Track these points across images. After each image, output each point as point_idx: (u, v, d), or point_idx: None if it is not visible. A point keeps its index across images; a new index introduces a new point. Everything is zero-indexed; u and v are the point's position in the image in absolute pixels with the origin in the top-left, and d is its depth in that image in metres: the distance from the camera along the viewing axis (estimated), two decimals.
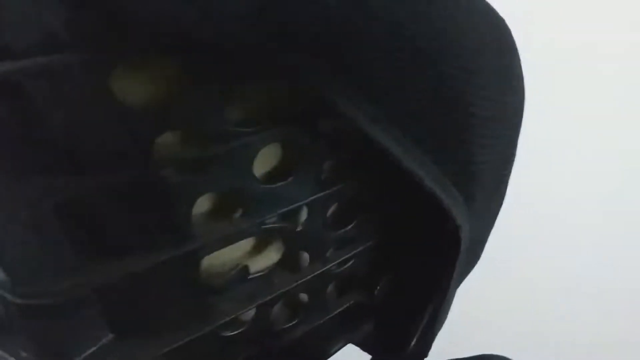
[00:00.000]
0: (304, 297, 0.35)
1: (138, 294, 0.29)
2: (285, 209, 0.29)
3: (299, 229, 0.30)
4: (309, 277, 0.33)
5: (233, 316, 0.31)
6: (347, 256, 0.34)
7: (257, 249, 0.31)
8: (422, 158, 0.24)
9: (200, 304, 0.29)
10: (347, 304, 0.36)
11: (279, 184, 0.28)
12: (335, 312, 0.36)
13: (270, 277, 0.31)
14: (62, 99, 0.24)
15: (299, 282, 0.32)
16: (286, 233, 0.30)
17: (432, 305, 0.32)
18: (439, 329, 0.34)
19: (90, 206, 0.26)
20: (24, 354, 0.28)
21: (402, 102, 0.22)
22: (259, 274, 0.31)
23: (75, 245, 0.27)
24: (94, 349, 0.29)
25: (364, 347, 0.40)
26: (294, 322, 0.35)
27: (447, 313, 0.33)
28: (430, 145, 0.24)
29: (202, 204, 0.27)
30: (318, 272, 0.33)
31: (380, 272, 0.36)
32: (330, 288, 0.35)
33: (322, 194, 0.30)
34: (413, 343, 0.34)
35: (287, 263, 0.32)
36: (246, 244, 0.31)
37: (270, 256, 0.32)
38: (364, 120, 0.22)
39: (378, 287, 0.35)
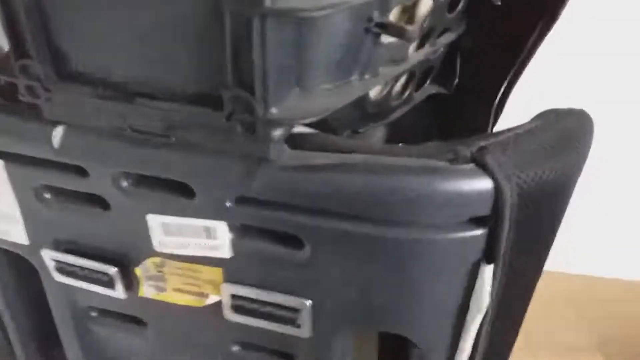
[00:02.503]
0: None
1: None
2: None
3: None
4: (425, 57, 0.37)
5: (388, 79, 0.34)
6: (447, 41, 0.39)
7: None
8: None
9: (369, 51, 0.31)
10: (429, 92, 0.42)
11: None
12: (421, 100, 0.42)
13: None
14: None
15: (417, 60, 0.37)
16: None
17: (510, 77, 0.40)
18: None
19: None
20: None
21: None
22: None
23: None
24: (286, 102, 0.30)
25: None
26: (400, 101, 0.39)
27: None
28: None
29: None
30: (429, 53, 0.38)
31: (455, 62, 0.42)
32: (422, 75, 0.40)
33: None
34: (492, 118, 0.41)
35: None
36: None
37: None
38: None
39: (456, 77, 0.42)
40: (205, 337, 0.42)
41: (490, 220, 0.31)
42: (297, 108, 0.30)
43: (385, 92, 0.37)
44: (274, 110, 0.29)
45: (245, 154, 0.31)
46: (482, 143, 0.30)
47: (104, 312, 0.44)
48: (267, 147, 0.30)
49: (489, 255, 0.32)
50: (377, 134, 0.43)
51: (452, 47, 0.42)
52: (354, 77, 0.32)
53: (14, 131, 0.35)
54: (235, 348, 0.42)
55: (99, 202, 0.36)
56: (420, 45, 0.39)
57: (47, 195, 0.38)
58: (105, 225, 0.37)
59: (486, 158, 0.29)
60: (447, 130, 0.46)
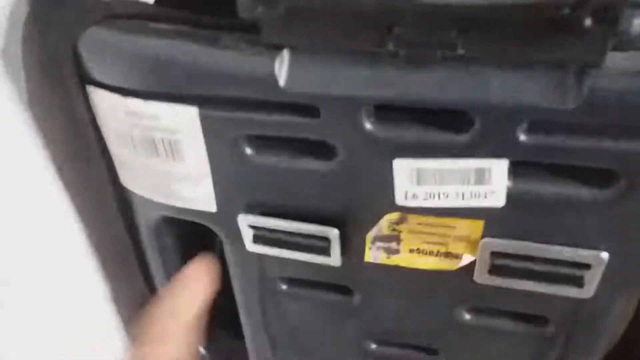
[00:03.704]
0: None
1: None
2: None
3: None
4: None
5: None
6: None
7: None
8: None
9: None
10: None
11: None
12: None
13: None
14: None
15: None
16: None
17: None
18: None
19: None
20: None
21: None
22: None
23: None
24: None
25: None
26: None
27: None
28: None
29: None
30: None
31: None
32: None
33: None
34: None
35: None
36: None
37: None
38: None
39: None
40: (428, 304, 0.35)
41: None
42: None
43: None
44: None
45: (568, 59, 0.23)
46: None
47: (299, 283, 0.37)
48: (607, 47, 0.22)
49: None
50: None
51: None
52: None
53: (217, 66, 0.27)
54: (466, 314, 0.35)
55: (323, 150, 0.29)
56: None
57: (249, 148, 0.30)
58: (324, 179, 0.30)
59: None
60: None
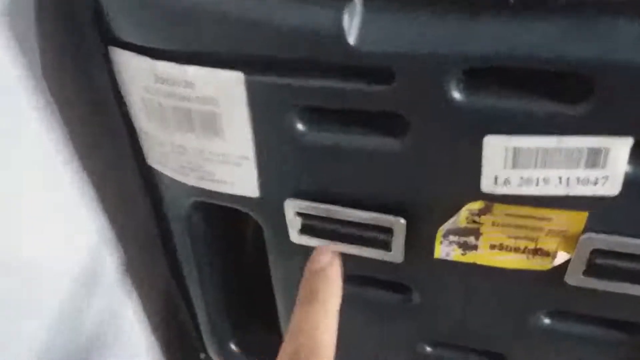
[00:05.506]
0: None
1: None
2: None
3: None
4: None
5: None
6: None
7: None
8: None
9: None
10: None
11: None
12: None
13: None
14: None
15: None
16: None
17: None
18: None
19: None
20: None
21: None
22: None
23: None
24: None
25: None
26: None
27: None
28: None
29: None
30: None
31: None
32: None
33: None
34: None
35: None
36: None
37: None
38: None
39: None
40: (500, 306, 0.31)
41: None
42: None
43: None
44: None
45: None
46: None
47: (350, 280, 0.33)
48: None
49: None
50: None
51: None
52: None
53: (269, 20, 0.22)
54: (545, 319, 0.30)
55: (393, 124, 0.24)
56: None
57: (300, 123, 0.26)
58: (391, 159, 0.25)
59: None
60: None
